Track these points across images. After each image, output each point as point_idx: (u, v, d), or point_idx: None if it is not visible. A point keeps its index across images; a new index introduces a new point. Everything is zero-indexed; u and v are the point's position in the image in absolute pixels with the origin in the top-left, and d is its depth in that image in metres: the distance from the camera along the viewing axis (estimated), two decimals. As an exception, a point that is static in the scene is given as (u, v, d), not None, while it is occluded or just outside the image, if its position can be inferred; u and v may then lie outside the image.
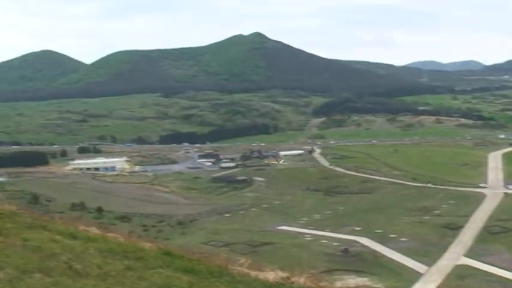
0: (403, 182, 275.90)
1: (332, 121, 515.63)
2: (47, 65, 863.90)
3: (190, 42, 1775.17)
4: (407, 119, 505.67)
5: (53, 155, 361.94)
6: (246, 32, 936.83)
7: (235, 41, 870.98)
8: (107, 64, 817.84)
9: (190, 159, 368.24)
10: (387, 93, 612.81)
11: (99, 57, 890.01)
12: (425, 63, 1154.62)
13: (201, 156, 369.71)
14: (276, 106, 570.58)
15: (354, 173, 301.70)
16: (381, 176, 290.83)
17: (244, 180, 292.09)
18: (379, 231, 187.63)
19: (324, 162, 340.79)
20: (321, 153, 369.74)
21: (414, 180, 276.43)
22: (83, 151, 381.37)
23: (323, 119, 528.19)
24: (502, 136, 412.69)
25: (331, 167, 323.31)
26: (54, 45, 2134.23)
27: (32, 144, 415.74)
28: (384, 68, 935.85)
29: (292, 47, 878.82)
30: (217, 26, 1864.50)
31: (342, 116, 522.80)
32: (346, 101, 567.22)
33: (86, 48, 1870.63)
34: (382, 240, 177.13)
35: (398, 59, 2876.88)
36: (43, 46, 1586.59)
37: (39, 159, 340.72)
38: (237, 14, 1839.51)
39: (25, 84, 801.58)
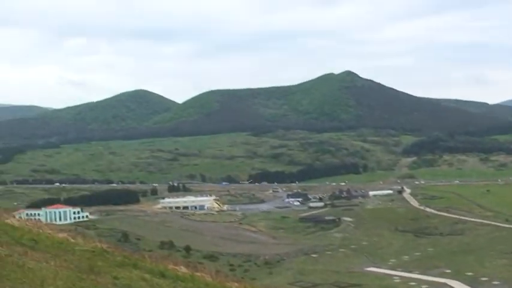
0: (495, 223, 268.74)
1: (423, 161, 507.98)
2: (139, 104, 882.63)
3: (280, 81, 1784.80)
4: (501, 158, 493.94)
5: (144, 194, 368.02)
6: (336, 70, 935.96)
7: (326, 79, 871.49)
8: (198, 103, 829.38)
9: (278, 199, 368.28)
10: (480, 132, 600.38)
11: (191, 97, 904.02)
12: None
13: (289, 196, 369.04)
14: (366, 145, 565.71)
15: (444, 214, 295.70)
16: (472, 217, 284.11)
17: (332, 221, 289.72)
18: (470, 274, 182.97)
19: (414, 202, 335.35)
20: (410, 193, 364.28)
21: (507, 221, 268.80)
22: (173, 190, 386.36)
23: (413, 158, 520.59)
24: None
25: (421, 207, 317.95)
26: (147, 85, 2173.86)
27: (123, 183, 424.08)
28: (476, 106, 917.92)
29: (382, 85, 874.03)
30: (308, 65, 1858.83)
31: (433, 156, 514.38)
32: (437, 140, 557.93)
33: (178, 87, 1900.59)
34: (473, 283, 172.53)
35: (493, 96, 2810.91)
36: (136, 86, 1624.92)
37: (130, 197, 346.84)
38: (328, 53, 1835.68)
39: (118, 123, 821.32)
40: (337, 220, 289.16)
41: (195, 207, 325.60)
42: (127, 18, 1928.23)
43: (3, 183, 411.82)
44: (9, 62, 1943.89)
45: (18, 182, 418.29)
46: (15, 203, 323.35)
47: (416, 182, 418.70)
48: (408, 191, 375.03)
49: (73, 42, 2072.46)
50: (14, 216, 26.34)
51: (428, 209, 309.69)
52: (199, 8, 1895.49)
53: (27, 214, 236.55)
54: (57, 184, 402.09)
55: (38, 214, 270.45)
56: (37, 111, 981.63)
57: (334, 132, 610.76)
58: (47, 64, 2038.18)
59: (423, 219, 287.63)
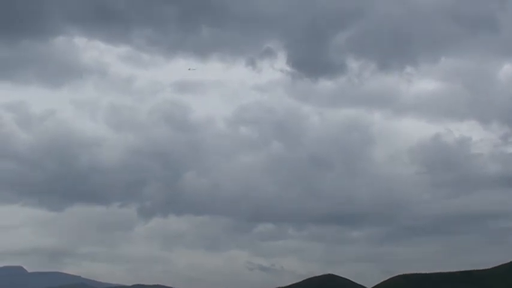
0: None
1: None
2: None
3: (473, 265, 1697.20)
4: None
5: None
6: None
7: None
8: (387, 287, 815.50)
9: None
10: None
11: (380, 281, 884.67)
12: None
13: None
14: None
15: None
16: None
17: None
18: None
19: None
20: None
21: None
22: None
23: None
24: None
25: None
26: (335, 269, 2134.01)
27: None
28: None
29: None
30: (501, 248, 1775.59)
31: None
32: None
33: (367, 271, 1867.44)
34: None
35: None
36: (324, 270, 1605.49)
37: None
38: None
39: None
40: None
41: None
42: (314, 205, 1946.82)
43: None
44: (203, 248, 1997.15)
45: None
46: None
47: None
48: None
49: (261, 228, 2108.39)
50: None
51: None
52: (384, 193, 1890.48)
53: None
54: None
55: None
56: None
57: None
58: (236, 249, 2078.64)
59: None
